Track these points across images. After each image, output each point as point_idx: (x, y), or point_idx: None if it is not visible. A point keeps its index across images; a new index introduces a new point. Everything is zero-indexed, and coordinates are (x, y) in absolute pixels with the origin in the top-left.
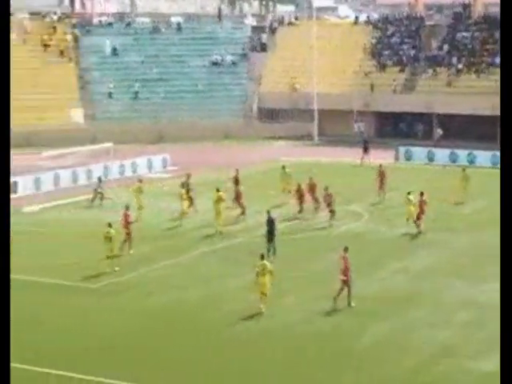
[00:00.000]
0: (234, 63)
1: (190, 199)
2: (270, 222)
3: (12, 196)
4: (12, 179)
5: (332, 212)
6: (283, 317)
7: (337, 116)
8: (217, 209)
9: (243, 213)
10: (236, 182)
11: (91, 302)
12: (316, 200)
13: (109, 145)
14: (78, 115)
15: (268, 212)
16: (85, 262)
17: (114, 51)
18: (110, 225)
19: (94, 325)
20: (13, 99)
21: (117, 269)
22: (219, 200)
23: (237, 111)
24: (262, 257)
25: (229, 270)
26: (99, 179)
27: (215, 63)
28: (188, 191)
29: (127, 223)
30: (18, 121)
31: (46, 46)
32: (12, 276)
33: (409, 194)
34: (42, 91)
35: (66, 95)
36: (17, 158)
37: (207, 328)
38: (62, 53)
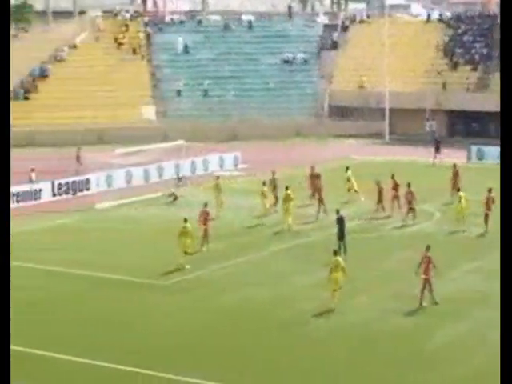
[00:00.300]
0: (305, 61)
1: (275, 197)
2: (340, 221)
3: (84, 193)
4: (84, 176)
5: (412, 210)
6: (355, 315)
7: (408, 115)
8: (286, 207)
9: (324, 210)
10: (313, 178)
11: (164, 299)
12: (397, 198)
13: (180, 142)
14: (149, 112)
15: (337, 211)
16: (157, 259)
17: (186, 49)
18: (185, 220)
19: (167, 323)
20: (86, 96)
21: (187, 267)
22: (288, 198)
23: (308, 109)
24: (335, 253)
25: (300, 267)
26: (179, 177)
27: (286, 61)
28: (274, 188)
29: (206, 220)
30: (91, 119)
31: (119, 43)
32: (85, 273)
33: (458, 190)
34: (114, 88)
35: (139, 92)
36: (89, 156)
37: (278, 326)
38: (134, 50)
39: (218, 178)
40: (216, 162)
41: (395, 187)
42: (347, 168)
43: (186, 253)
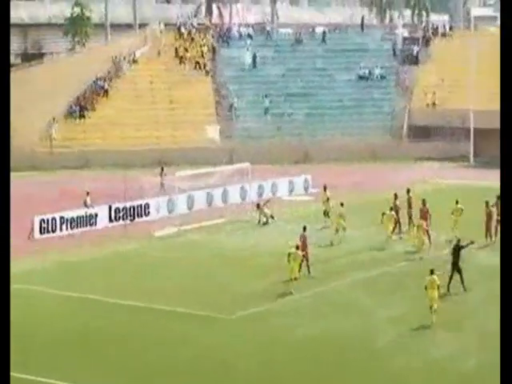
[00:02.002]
0: (382, 77)
1: (396, 222)
2: (456, 251)
3: (144, 219)
4: (144, 201)
5: None
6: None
7: (495, 135)
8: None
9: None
10: (400, 207)
11: (233, 332)
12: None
13: (246, 164)
14: (213, 132)
15: (458, 239)
16: (224, 290)
17: (254, 64)
18: (297, 247)
19: (242, 357)
20: (146, 115)
21: (292, 291)
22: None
23: (385, 128)
24: (432, 272)
25: (381, 299)
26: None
27: (362, 77)
28: (397, 212)
29: (304, 245)
30: (151, 139)
31: (181, 58)
32: (145, 305)
33: (457, 203)
34: (176, 106)
35: (202, 111)
36: (149, 180)
37: (357, 362)
38: (197, 65)
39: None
40: (285, 185)
41: (489, 216)
42: (423, 201)
43: (293, 279)
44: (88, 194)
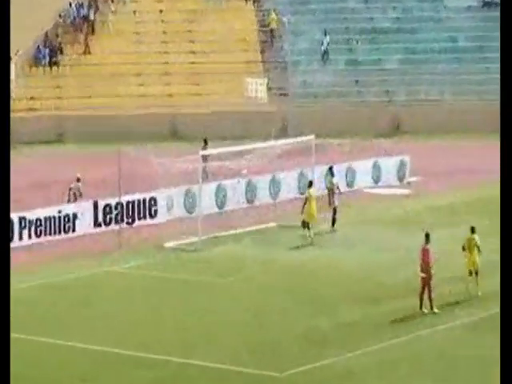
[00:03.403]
0: None
1: None
2: None
3: (148, 221)
4: (148, 194)
5: None
6: None
7: None
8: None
9: None
10: None
11: None
12: None
13: (308, 138)
14: (257, 88)
15: None
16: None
17: None
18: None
19: None
20: (151, 62)
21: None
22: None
23: None
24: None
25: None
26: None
27: (488, 2)
28: None
29: (427, 264)
30: (160, 98)
31: None
32: (154, 357)
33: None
34: (198, 49)
35: (239, 55)
36: (156, 160)
37: None
38: None
39: None
40: (367, 171)
41: None
42: None
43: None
44: (78, 180)
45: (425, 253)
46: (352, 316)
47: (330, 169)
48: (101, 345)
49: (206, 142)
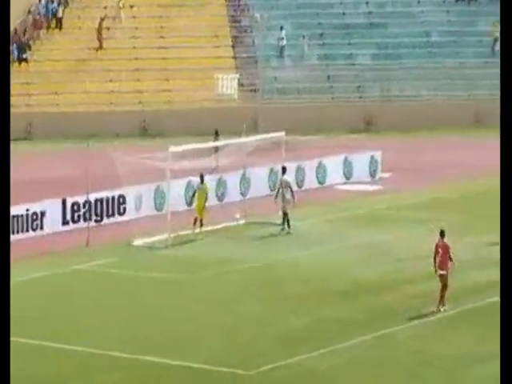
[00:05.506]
0: None
1: None
2: None
3: (116, 219)
4: (116, 192)
5: None
6: None
7: None
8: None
9: None
10: None
11: None
12: None
13: (278, 135)
14: (228, 84)
15: None
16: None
17: None
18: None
19: None
20: (122, 58)
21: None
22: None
23: (497, 79)
24: None
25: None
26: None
27: None
28: None
29: (445, 260)
30: (130, 94)
31: None
32: (132, 356)
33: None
34: (168, 44)
35: (210, 51)
36: (124, 158)
37: None
38: None
39: None
40: (338, 168)
41: None
42: None
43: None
44: None
45: (444, 249)
46: (323, 313)
47: (283, 168)
48: (69, 344)
49: (217, 133)
